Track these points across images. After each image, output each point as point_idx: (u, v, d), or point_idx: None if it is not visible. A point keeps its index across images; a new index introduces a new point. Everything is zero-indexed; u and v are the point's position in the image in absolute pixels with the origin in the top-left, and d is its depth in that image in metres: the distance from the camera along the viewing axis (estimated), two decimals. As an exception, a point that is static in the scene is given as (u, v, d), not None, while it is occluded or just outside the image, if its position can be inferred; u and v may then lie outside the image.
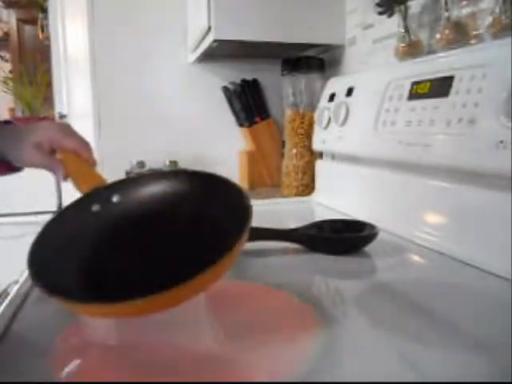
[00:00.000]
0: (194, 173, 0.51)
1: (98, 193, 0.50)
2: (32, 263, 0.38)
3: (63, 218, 0.46)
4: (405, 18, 0.81)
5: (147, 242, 0.47)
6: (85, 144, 0.57)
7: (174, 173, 0.53)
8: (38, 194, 1.66)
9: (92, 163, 0.56)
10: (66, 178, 0.54)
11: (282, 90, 1.18)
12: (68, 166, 0.54)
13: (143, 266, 0.44)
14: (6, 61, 3.03)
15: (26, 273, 0.57)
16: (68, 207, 0.48)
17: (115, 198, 0.49)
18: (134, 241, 0.48)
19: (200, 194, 0.49)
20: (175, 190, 0.50)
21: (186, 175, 0.51)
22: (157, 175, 0.52)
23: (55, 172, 0.55)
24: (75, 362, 0.38)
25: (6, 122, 0.61)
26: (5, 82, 2.63)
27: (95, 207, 0.48)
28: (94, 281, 0.42)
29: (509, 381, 0.33)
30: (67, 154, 0.55)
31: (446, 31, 0.71)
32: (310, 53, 1.19)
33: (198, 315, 0.47)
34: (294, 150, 1.13)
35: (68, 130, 0.57)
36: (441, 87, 0.65)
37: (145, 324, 0.43)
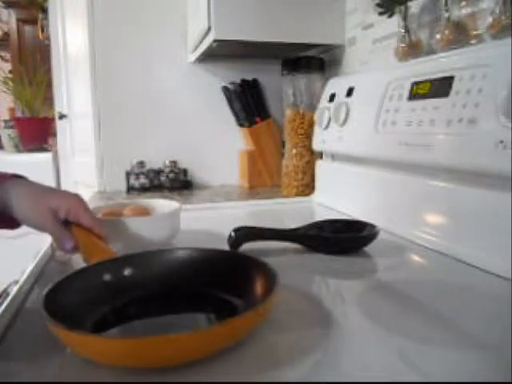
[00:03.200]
0: (203, 249, 0.53)
1: (110, 264, 0.50)
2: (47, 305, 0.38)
3: (73, 278, 0.45)
4: (405, 18, 0.81)
5: (160, 316, 0.48)
6: (97, 220, 0.58)
7: (186, 249, 0.54)
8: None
9: (103, 239, 0.56)
10: (74, 250, 0.55)
11: (282, 90, 1.18)
12: (81, 239, 0.55)
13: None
14: (6, 61, 3.04)
15: (26, 273, 0.57)
16: (79, 271, 0.47)
17: (127, 272, 0.50)
18: (146, 313, 0.48)
19: (216, 267, 0.50)
20: (188, 264, 0.52)
21: (203, 251, 0.53)
22: (168, 251, 0.54)
23: (63, 243, 0.54)
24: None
25: (18, 176, 0.59)
26: (5, 82, 2.63)
27: (107, 276, 0.48)
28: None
29: (509, 381, 0.33)
30: (81, 227, 0.56)
31: (446, 31, 0.71)
32: (310, 53, 1.19)
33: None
34: (294, 150, 1.13)
35: (85, 204, 0.57)
36: (441, 87, 0.65)
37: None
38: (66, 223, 0.56)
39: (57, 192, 0.58)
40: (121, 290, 0.47)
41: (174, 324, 0.45)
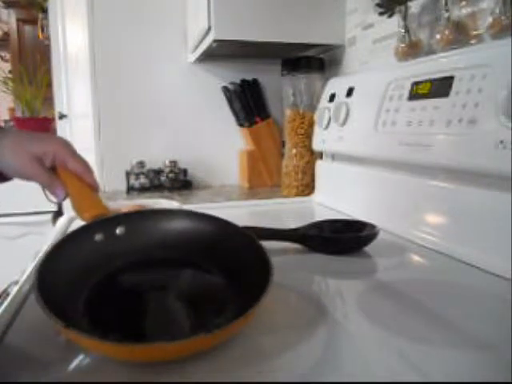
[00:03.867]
0: (204, 215, 0.51)
1: (102, 222, 0.48)
2: (40, 288, 0.37)
3: (65, 245, 0.44)
4: (405, 17, 0.81)
5: (149, 285, 0.46)
6: (88, 166, 0.54)
7: (185, 212, 0.51)
8: (38, 193, 1.66)
9: (95, 188, 0.53)
10: (65, 197, 0.52)
11: (282, 90, 1.18)
12: (70, 188, 0.51)
13: (142, 313, 0.43)
14: (6, 61, 3.04)
15: (26, 273, 0.57)
16: (70, 235, 0.46)
17: (119, 230, 0.48)
18: (135, 281, 0.47)
19: (213, 241, 0.49)
20: (185, 231, 0.49)
21: (197, 216, 0.51)
22: (164, 212, 0.52)
23: (54, 190, 0.51)
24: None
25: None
26: (5, 82, 2.63)
27: (98, 236, 0.46)
28: (96, 316, 0.41)
29: (509, 381, 0.33)
30: (70, 174, 0.52)
31: (446, 31, 0.71)
32: (310, 53, 1.19)
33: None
34: (294, 150, 1.13)
35: (72, 149, 0.53)
36: (441, 87, 0.65)
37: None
38: (55, 170, 0.52)
39: (41, 138, 0.53)
40: (113, 252, 0.46)
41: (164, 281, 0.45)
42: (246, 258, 0.46)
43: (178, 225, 0.50)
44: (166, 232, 0.49)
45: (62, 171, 0.52)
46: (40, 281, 0.37)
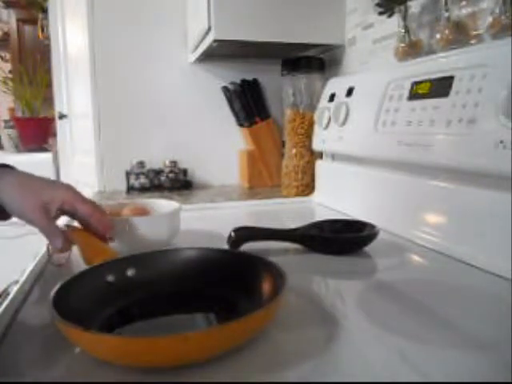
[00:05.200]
0: (216, 250, 0.53)
1: (112, 264, 0.49)
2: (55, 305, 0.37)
3: (79, 281, 0.45)
4: (405, 17, 0.81)
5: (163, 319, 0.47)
6: (98, 207, 0.56)
7: (188, 249, 0.53)
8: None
9: (104, 237, 0.56)
10: (65, 248, 0.53)
11: (282, 90, 1.18)
12: (80, 240, 0.54)
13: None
14: (6, 61, 3.04)
15: (26, 273, 0.57)
16: (82, 273, 0.46)
17: (130, 272, 0.49)
18: (149, 316, 0.47)
19: (223, 266, 0.50)
20: (193, 262, 0.51)
21: (204, 251, 0.53)
22: (172, 251, 0.53)
23: (52, 238, 0.53)
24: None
25: (7, 166, 0.57)
26: (5, 82, 2.63)
27: (110, 277, 0.47)
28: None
29: (509, 381, 0.33)
30: (79, 229, 0.56)
31: (446, 31, 0.71)
32: (310, 53, 1.19)
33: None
34: (294, 150, 1.13)
35: (80, 194, 0.56)
36: (441, 87, 0.65)
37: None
38: (64, 223, 0.55)
39: (50, 183, 0.56)
40: (124, 290, 0.47)
41: (179, 324, 0.45)
42: (255, 273, 0.47)
43: (186, 259, 0.52)
44: (175, 266, 0.51)
45: (71, 228, 0.56)
46: (54, 302, 0.38)
